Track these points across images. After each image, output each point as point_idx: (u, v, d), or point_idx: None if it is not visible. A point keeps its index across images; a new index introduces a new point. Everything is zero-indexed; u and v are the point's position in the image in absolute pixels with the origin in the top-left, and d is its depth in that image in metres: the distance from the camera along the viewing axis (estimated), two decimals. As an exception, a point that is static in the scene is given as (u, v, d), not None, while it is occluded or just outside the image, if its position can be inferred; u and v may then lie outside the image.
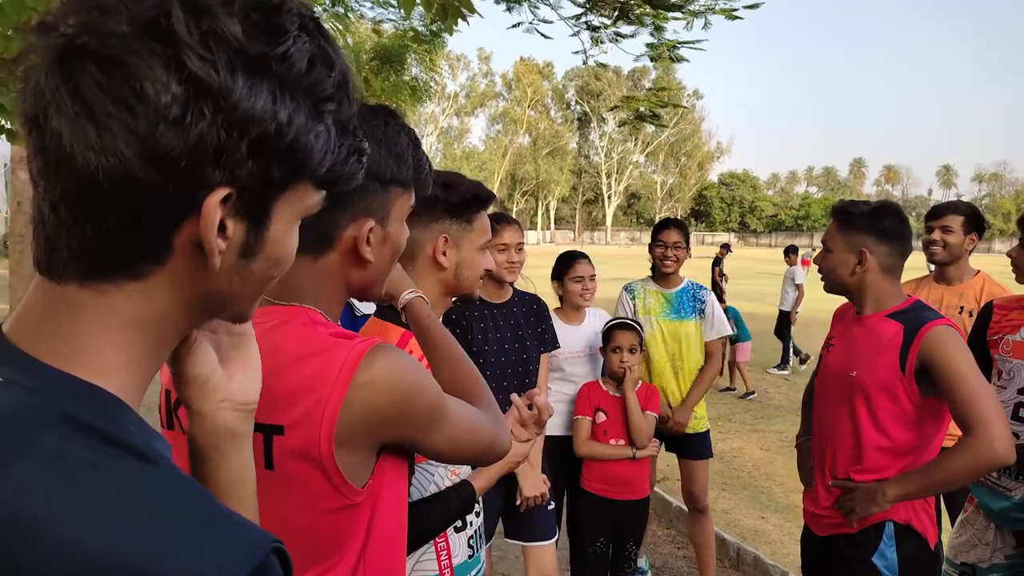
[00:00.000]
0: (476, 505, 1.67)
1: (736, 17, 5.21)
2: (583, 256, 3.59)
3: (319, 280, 1.11)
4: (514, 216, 3.30)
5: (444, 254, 1.61)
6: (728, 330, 3.62)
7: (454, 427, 1.12)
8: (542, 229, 79.15)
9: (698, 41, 5.54)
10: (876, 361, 2.14)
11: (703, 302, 3.68)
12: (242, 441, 0.77)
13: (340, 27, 6.78)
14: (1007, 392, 2.42)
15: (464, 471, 1.67)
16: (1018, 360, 2.40)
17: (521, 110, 77.08)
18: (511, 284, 3.07)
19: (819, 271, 2.32)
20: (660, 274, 3.73)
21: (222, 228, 0.58)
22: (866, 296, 2.23)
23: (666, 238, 3.64)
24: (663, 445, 3.64)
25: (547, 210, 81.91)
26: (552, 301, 3.46)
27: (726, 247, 12.90)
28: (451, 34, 5.85)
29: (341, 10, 7.40)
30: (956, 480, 2.05)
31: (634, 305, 3.73)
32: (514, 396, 1.63)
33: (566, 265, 3.56)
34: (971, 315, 2.85)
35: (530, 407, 1.55)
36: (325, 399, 0.98)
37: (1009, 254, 2.54)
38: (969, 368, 2.02)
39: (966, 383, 1.99)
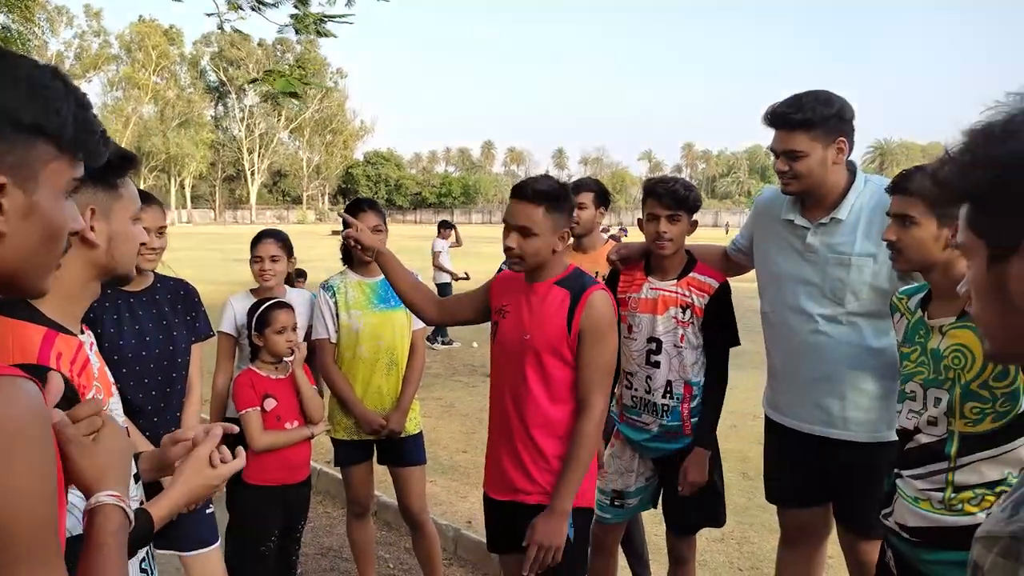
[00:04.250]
0: None
1: (381, -1, 5.23)
2: (270, 235, 3.34)
3: None
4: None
5: (93, 229, 1.35)
6: None
7: None
8: (177, 208, 72.28)
9: (345, 16, 5.44)
10: (548, 324, 2.31)
11: None
12: None
13: None
14: (637, 343, 2.82)
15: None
16: (643, 314, 2.81)
17: (145, 75, 68.97)
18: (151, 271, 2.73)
19: (519, 255, 2.32)
20: (360, 262, 3.29)
21: None
22: (542, 266, 2.38)
23: (364, 222, 3.07)
24: (376, 457, 3.38)
25: (182, 187, 75.00)
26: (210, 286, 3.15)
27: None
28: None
29: None
30: (590, 458, 2.31)
31: (335, 303, 3.26)
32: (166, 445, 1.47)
33: (252, 245, 3.34)
34: (602, 278, 3.25)
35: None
36: None
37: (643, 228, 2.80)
38: (609, 344, 2.31)
39: (601, 356, 2.28)
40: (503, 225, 2.39)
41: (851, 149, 2.53)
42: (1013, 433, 1.85)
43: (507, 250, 2.34)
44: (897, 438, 2.12)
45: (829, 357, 2.51)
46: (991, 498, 1.87)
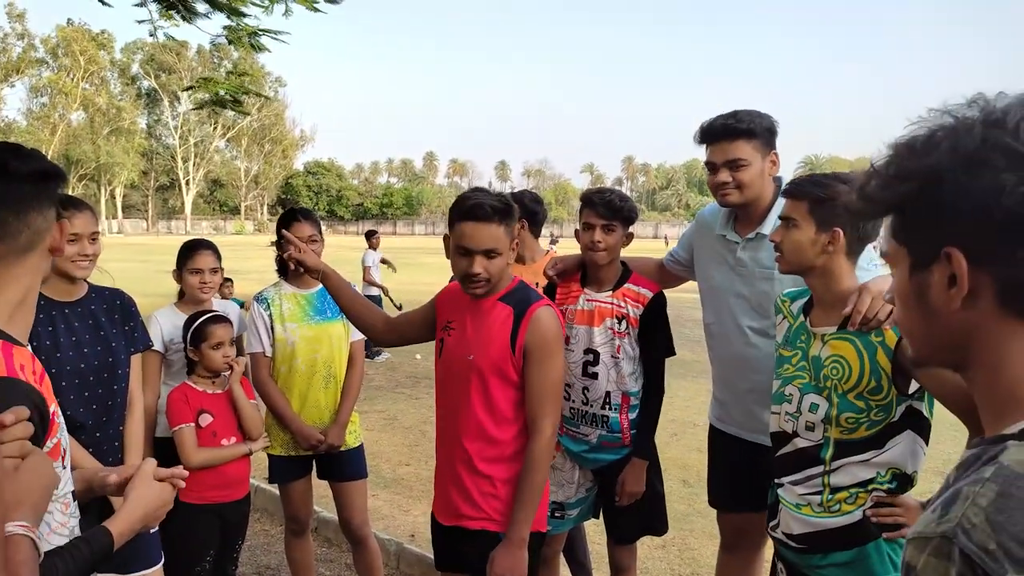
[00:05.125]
0: None
1: (317, 10, 5.17)
2: (205, 246, 3.23)
3: None
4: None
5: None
6: None
7: None
8: (109, 218, 69.73)
9: (280, 32, 5.33)
10: (491, 343, 2.24)
11: None
12: None
13: None
14: (575, 354, 2.82)
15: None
16: (579, 326, 2.83)
17: (73, 81, 66.43)
18: (84, 279, 2.63)
19: (486, 278, 2.22)
20: (294, 274, 3.19)
21: None
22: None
23: (299, 232, 3.05)
24: (316, 472, 3.30)
25: (113, 196, 72.41)
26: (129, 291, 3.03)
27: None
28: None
29: None
30: (543, 483, 2.27)
31: (269, 316, 3.18)
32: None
33: (185, 256, 3.20)
34: (542, 290, 3.27)
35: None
36: None
37: (582, 241, 2.80)
38: (556, 362, 2.25)
39: (548, 375, 2.22)
40: (455, 248, 2.23)
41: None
42: (884, 438, 1.94)
43: (472, 276, 2.20)
44: (772, 442, 2.18)
45: (760, 368, 2.57)
46: (864, 495, 1.97)
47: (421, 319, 2.53)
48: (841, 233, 2.00)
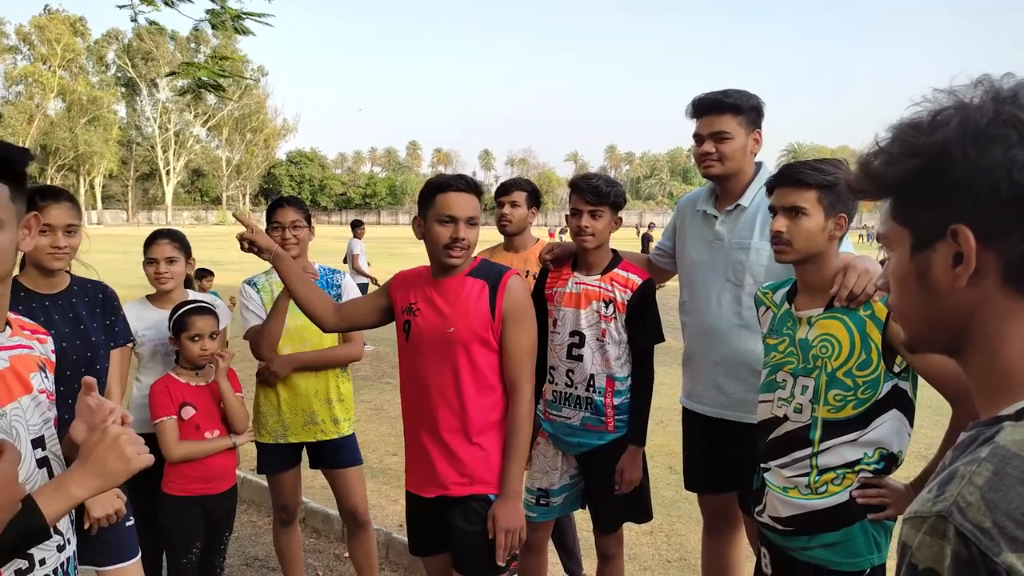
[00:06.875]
0: (56, 536, 1.34)
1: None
2: (164, 235, 3.17)
3: None
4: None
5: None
6: None
7: None
8: (88, 208, 68.83)
9: (264, 15, 5.26)
10: (471, 314, 2.34)
11: (338, 287, 3.27)
12: None
13: None
14: (561, 336, 2.83)
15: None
16: (567, 308, 2.83)
17: (50, 70, 65.34)
18: (66, 271, 2.59)
19: (468, 245, 2.37)
20: None
21: None
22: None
23: (282, 218, 3.14)
24: (309, 462, 3.29)
25: (92, 187, 71.47)
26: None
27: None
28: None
29: None
30: (527, 441, 2.39)
31: (261, 300, 3.19)
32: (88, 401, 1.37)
33: (145, 246, 3.15)
34: (534, 277, 3.26)
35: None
36: None
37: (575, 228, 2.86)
38: (531, 325, 2.41)
39: (524, 338, 2.37)
40: (437, 219, 2.35)
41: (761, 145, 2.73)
42: (870, 418, 1.97)
43: (458, 240, 2.33)
44: (760, 430, 2.19)
45: (728, 340, 2.64)
46: (851, 476, 1.99)
47: (371, 306, 2.60)
48: (846, 217, 2.04)
